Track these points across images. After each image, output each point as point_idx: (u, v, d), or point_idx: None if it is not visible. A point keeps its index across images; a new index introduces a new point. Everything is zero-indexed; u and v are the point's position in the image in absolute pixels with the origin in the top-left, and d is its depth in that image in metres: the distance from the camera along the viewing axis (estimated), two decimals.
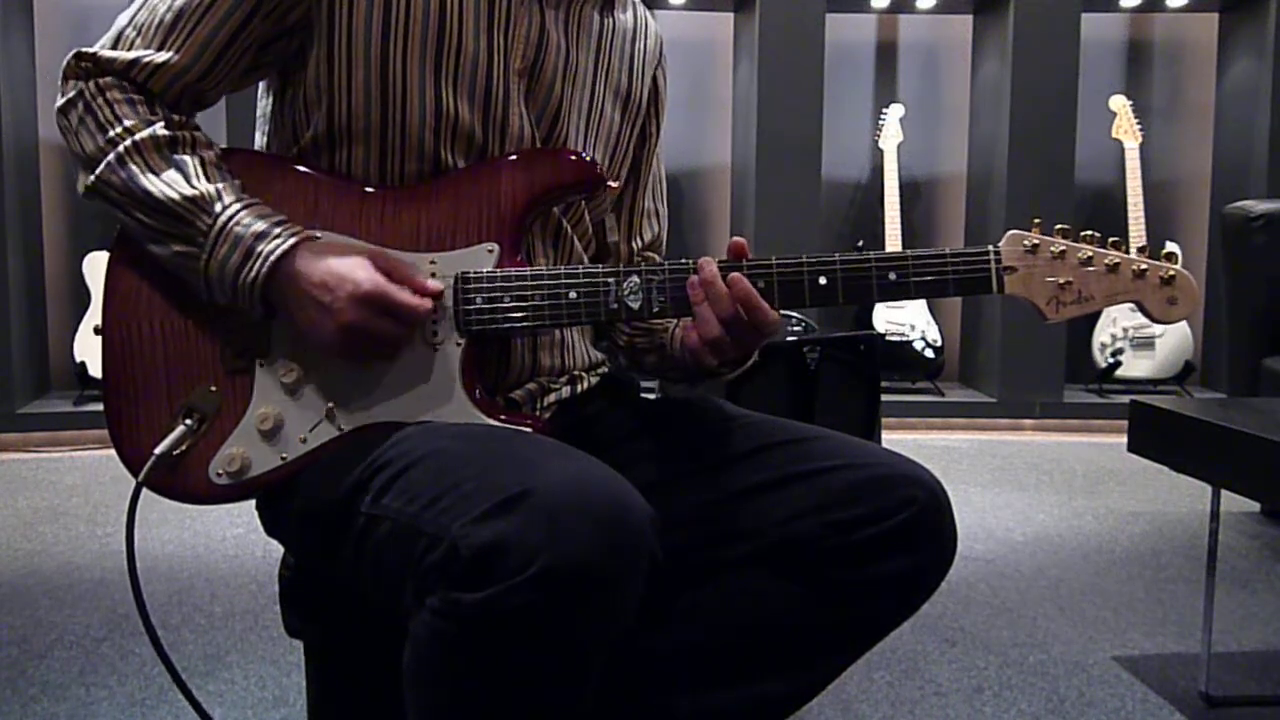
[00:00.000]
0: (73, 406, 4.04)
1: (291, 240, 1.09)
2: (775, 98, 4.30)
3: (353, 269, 1.07)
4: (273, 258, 1.08)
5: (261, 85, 1.26)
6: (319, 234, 1.13)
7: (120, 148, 1.12)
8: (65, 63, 1.16)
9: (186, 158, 1.13)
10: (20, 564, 2.58)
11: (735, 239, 1.14)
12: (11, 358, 3.91)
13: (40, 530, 2.85)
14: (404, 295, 1.08)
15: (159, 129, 1.13)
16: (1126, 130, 4.48)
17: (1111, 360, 4.45)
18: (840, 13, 4.57)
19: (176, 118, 1.15)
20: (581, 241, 1.29)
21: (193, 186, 1.11)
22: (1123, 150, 4.48)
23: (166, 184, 1.11)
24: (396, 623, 0.98)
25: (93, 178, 1.13)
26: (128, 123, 1.12)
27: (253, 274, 1.08)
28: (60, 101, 1.16)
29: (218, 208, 1.10)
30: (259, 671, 1.98)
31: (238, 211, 1.10)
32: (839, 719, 1.81)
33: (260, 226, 1.09)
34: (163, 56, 1.14)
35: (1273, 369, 2.93)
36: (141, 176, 1.11)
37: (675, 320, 1.29)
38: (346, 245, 1.11)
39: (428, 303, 1.10)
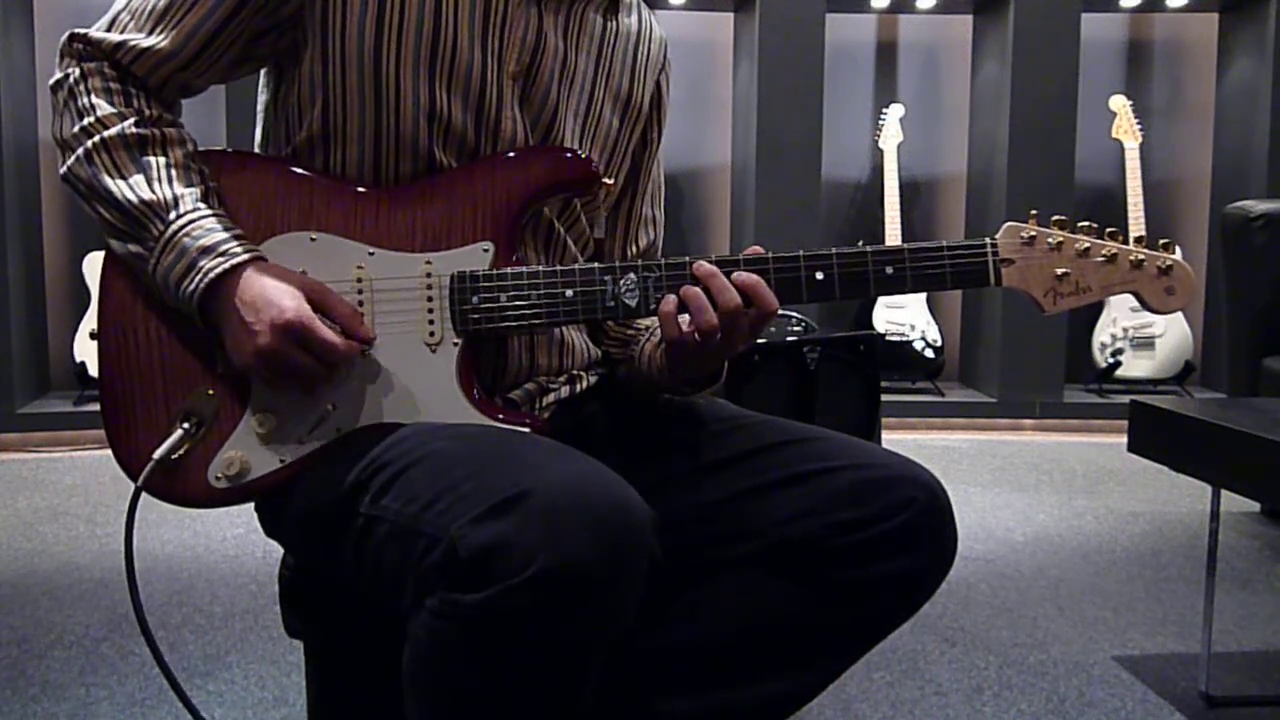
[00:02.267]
0: (73, 406, 4.04)
1: (235, 260, 1.09)
2: (775, 98, 4.30)
3: (282, 296, 1.06)
4: (212, 274, 1.08)
5: (260, 80, 1.26)
6: (288, 244, 1.13)
7: (90, 142, 1.13)
8: (60, 42, 1.18)
9: (153, 159, 1.13)
10: (20, 564, 2.58)
11: (754, 247, 1.14)
12: (11, 358, 3.91)
13: (40, 530, 2.85)
14: (324, 333, 1.07)
15: (129, 126, 1.13)
16: (1126, 130, 4.48)
17: (1111, 360, 4.45)
18: (840, 13, 4.57)
19: (151, 112, 1.16)
20: (578, 244, 1.28)
21: (152, 191, 1.11)
22: (1123, 150, 4.48)
23: (128, 186, 1.12)
24: (396, 623, 0.98)
25: (64, 168, 1.15)
26: (101, 113, 1.13)
27: (191, 287, 1.08)
28: (52, 80, 1.18)
29: (171, 215, 1.10)
30: (259, 671, 1.98)
31: (190, 223, 1.10)
32: (839, 719, 1.81)
33: (208, 241, 1.09)
34: (150, 41, 1.15)
35: (1273, 369, 2.92)
36: (104, 175, 1.12)
37: (648, 333, 1.29)
38: (288, 273, 1.10)
39: (350, 346, 1.08)
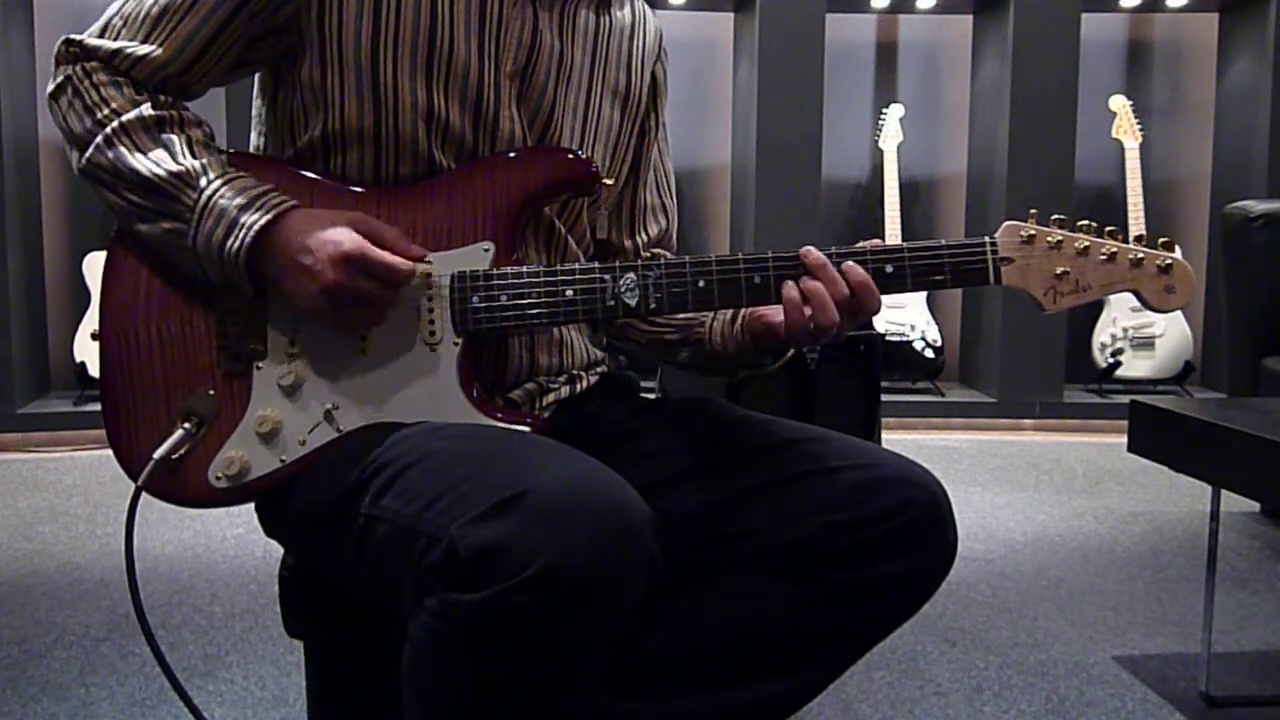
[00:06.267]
0: (73, 406, 4.04)
1: (276, 210, 1.09)
2: (775, 98, 4.30)
3: (334, 232, 1.08)
4: (256, 227, 1.08)
5: (256, 85, 1.26)
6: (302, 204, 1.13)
7: (108, 129, 1.13)
8: (55, 49, 1.17)
9: (173, 135, 1.14)
10: (20, 564, 2.58)
11: (873, 241, 1.14)
12: (11, 358, 3.91)
13: (40, 530, 2.85)
14: (384, 255, 1.08)
15: (145, 109, 1.13)
16: (1126, 130, 4.48)
17: (1111, 360, 4.45)
18: (840, 13, 4.57)
19: (163, 98, 1.16)
20: (580, 244, 1.28)
21: (178, 163, 1.11)
22: (1123, 150, 4.48)
23: (153, 161, 1.12)
24: (396, 623, 0.98)
25: (84, 160, 1.14)
26: (114, 105, 1.14)
27: (236, 244, 1.08)
28: (51, 87, 1.17)
29: (203, 182, 1.10)
30: (259, 671, 1.98)
31: (222, 185, 1.10)
32: (839, 719, 1.81)
33: (244, 199, 1.10)
34: (145, 49, 1.15)
35: (1273, 369, 2.92)
36: (129, 156, 1.12)
37: (712, 313, 1.28)
38: (331, 212, 1.12)
39: (408, 263, 1.10)
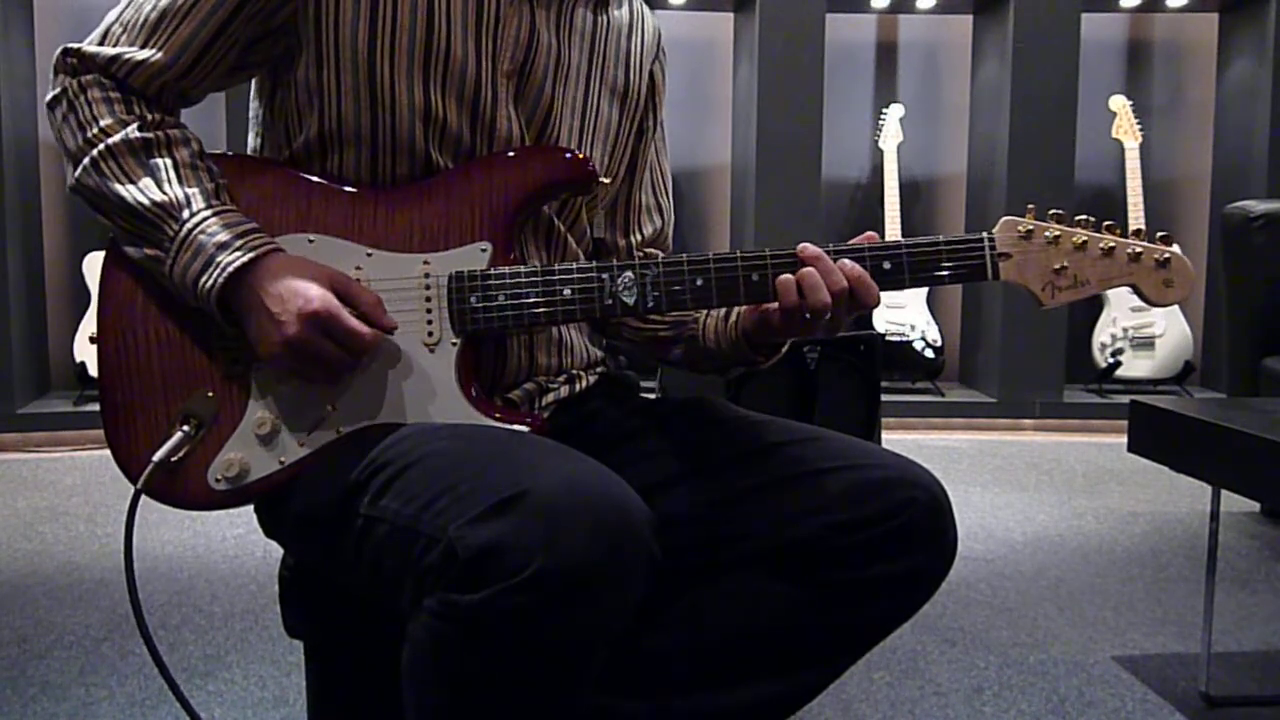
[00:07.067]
0: (73, 406, 4.04)
1: (252, 254, 1.09)
2: (775, 98, 4.30)
3: (308, 287, 1.07)
4: (230, 269, 1.08)
5: (253, 87, 1.26)
6: (286, 246, 1.12)
7: (95, 151, 1.13)
8: (54, 58, 1.18)
9: (160, 160, 1.13)
10: (20, 564, 2.58)
11: (868, 233, 1.15)
12: (11, 358, 3.91)
13: (40, 530, 2.85)
14: (351, 321, 1.07)
15: (133, 132, 1.13)
16: (1126, 130, 4.48)
17: (1111, 360, 4.45)
18: (840, 13, 4.57)
19: (152, 117, 1.16)
20: (580, 243, 1.28)
21: (163, 192, 1.11)
22: (1123, 150, 4.48)
23: (139, 190, 1.12)
24: (396, 623, 0.98)
25: (74, 179, 1.15)
26: (104, 123, 1.13)
27: (209, 282, 1.08)
28: (48, 96, 1.17)
29: (185, 214, 1.10)
30: (259, 671, 1.98)
31: (204, 220, 1.10)
32: (839, 719, 1.81)
33: (224, 237, 1.09)
34: (144, 54, 1.15)
35: (1273, 369, 2.92)
36: (114, 181, 1.12)
37: (706, 310, 1.28)
38: (311, 264, 1.11)
39: (374, 334, 1.08)
